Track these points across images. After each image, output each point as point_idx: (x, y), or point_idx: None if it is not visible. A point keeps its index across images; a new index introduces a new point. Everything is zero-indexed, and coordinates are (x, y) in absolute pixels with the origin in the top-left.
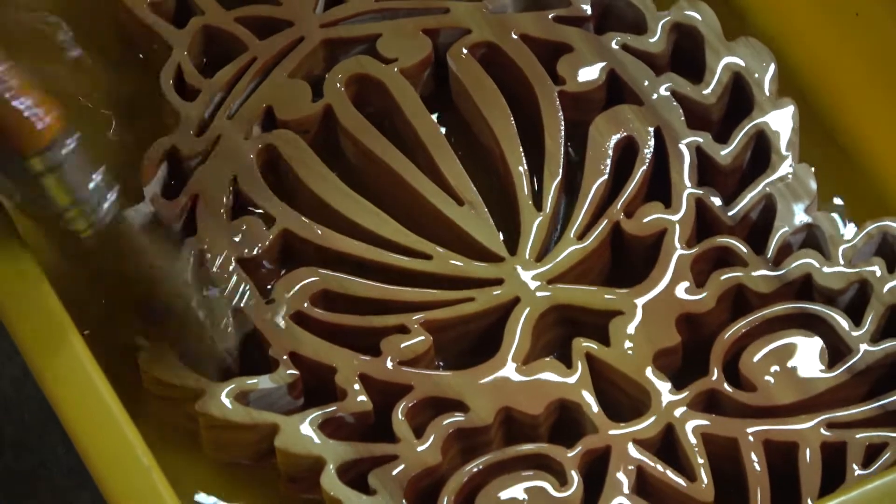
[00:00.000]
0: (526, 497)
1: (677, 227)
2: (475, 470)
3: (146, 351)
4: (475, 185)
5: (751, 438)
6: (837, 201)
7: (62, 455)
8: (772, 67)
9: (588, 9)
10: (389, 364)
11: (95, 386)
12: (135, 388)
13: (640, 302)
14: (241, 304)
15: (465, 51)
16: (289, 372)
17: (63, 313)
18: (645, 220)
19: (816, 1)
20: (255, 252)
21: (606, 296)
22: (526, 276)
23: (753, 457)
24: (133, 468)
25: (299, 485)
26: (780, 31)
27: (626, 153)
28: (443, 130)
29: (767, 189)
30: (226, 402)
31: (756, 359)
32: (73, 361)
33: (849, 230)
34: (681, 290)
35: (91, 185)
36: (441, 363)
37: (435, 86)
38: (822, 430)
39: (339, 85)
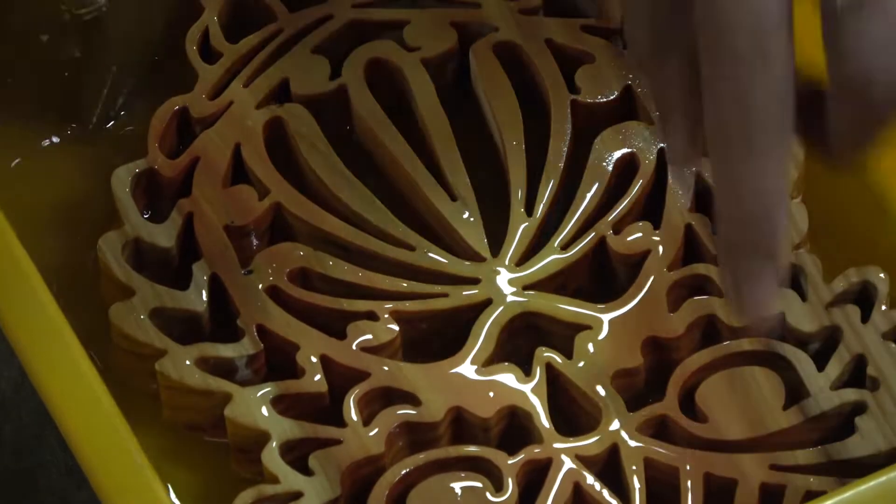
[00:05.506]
0: (459, 496)
1: (661, 248)
2: (414, 465)
3: (117, 306)
4: (479, 185)
5: (689, 468)
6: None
7: (60, 456)
8: None
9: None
10: (352, 348)
11: (91, 387)
12: (134, 387)
13: (608, 319)
14: None
15: (487, 48)
16: (253, 343)
17: (60, 315)
18: (630, 238)
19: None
20: (244, 222)
21: (577, 309)
22: (502, 279)
23: (690, 486)
24: (127, 467)
25: (247, 456)
26: None
27: (628, 170)
28: (458, 125)
29: None
30: (185, 365)
31: (713, 390)
32: (69, 363)
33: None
34: (652, 313)
35: None
36: (407, 356)
37: (458, 80)
38: (766, 470)
39: (358, 66)
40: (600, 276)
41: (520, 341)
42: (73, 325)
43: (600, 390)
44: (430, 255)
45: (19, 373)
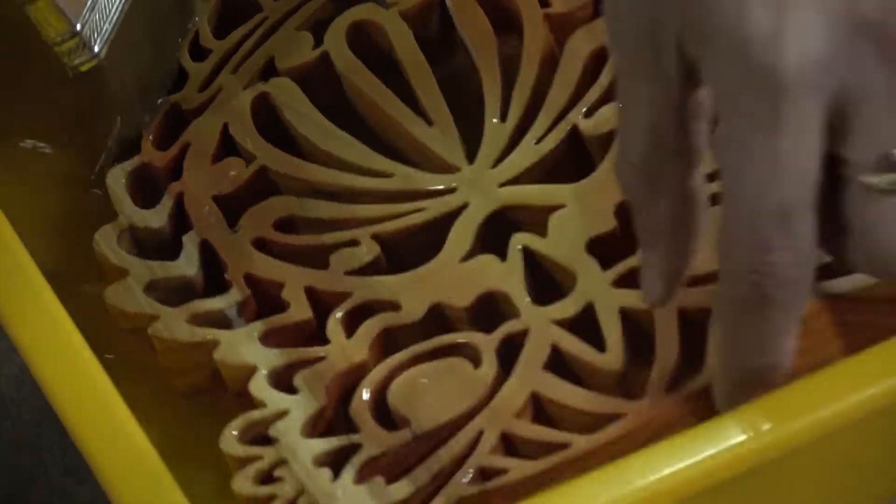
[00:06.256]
0: (439, 379)
1: None
2: (397, 363)
3: (112, 287)
4: (460, 113)
5: (665, 312)
6: None
7: (59, 452)
8: None
9: None
10: (336, 276)
11: (94, 383)
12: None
13: (581, 194)
14: None
15: None
16: (240, 291)
17: (61, 311)
18: (601, 119)
19: None
20: (231, 189)
21: (549, 191)
22: (478, 182)
23: (664, 325)
24: (131, 460)
25: (245, 399)
26: None
27: (599, 62)
28: (445, 73)
29: None
30: (176, 324)
31: None
32: (71, 360)
33: None
34: None
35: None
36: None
37: (443, 28)
38: None
39: (339, 32)
40: (578, 164)
41: (501, 237)
42: (78, 326)
43: (574, 257)
44: (408, 177)
45: (20, 370)
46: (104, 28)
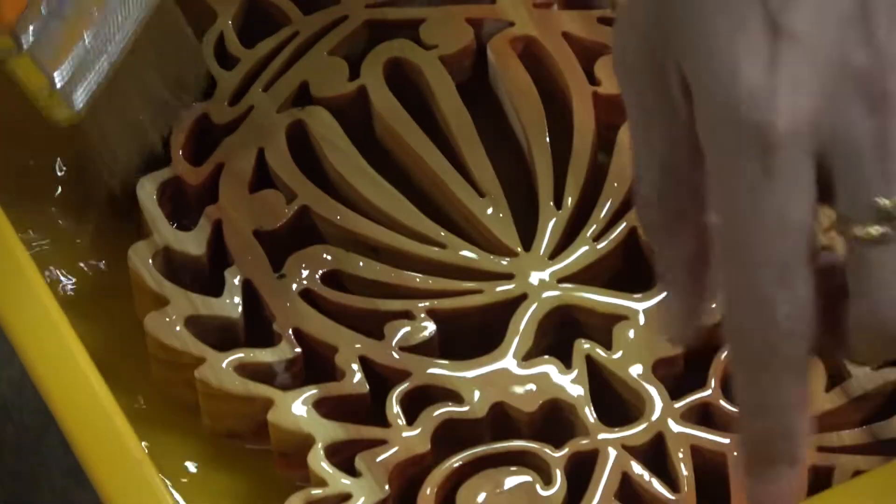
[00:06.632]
0: (509, 491)
1: None
2: (461, 462)
3: (152, 315)
4: (503, 179)
5: (736, 454)
6: None
7: (61, 456)
8: None
9: None
10: (391, 349)
11: (93, 388)
12: (132, 385)
13: (645, 308)
14: None
15: (504, 43)
16: (290, 347)
17: (60, 315)
18: None
19: None
20: (272, 227)
21: (613, 299)
22: (536, 273)
23: (739, 473)
24: (128, 466)
25: (290, 461)
26: None
27: None
28: (478, 121)
29: None
30: (224, 372)
31: None
32: (70, 364)
33: None
34: None
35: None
36: (444, 354)
37: (476, 76)
38: (813, 452)
39: (376, 66)
40: (633, 267)
41: (558, 335)
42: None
43: (642, 380)
44: (462, 252)
45: (20, 374)
46: (89, 81)
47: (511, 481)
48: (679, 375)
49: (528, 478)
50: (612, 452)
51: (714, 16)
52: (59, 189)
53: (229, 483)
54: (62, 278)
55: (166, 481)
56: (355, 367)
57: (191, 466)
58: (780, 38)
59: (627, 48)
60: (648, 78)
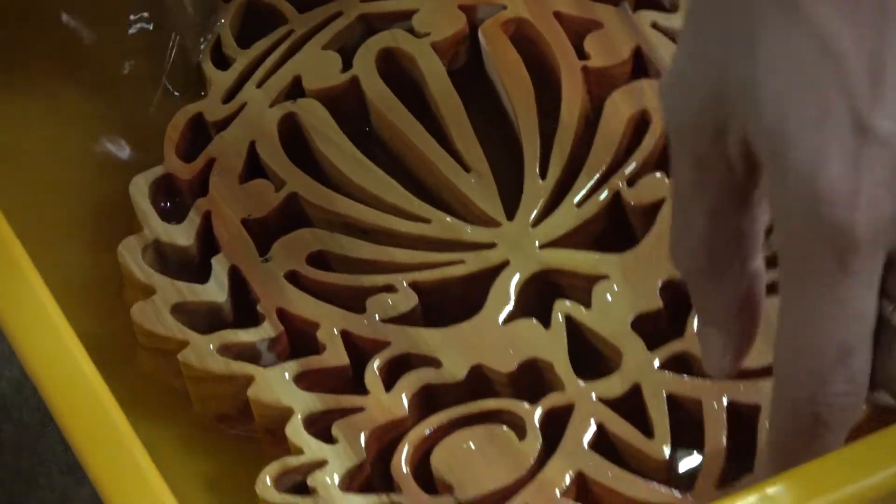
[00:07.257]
0: (484, 447)
1: None
2: (438, 424)
3: (139, 305)
4: (493, 158)
5: (715, 404)
6: None
7: (61, 454)
8: None
9: None
10: (372, 321)
11: (92, 387)
12: (132, 384)
13: (625, 266)
14: None
15: (496, 26)
16: (273, 327)
17: (59, 315)
18: (644, 189)
19: None
20: (261, 214)
21: (594, 258)
22: (519, 240)
23: (714, 417)
24: (127, 464)
25: (277, 437)
26: None
27: (640, 127)
28: (473, 106)
29: None
30: (207, 353)
31: None
32: (69, 363)
33: None
34: (668, 257)
35: None
36: (429, 325)
37: (471, 62)
38: None
39: (368, 57)
40: (617, 231)
41: (540, 299)
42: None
43: (620, 334)
44: (446, 225)
45: (20, 372)
46: None
47: (485, 437)
48: (662, 329)
49: (502, 431)
50: (588, 404)
51: (790, 92)
52: (58, 188)
53: (222, 470)
54: (58, 273)
55: (162, 476)
56: (336, 338)
57: (185, 456)
58: (867, 140)
59: (679, 108)
60: (704, 136)
